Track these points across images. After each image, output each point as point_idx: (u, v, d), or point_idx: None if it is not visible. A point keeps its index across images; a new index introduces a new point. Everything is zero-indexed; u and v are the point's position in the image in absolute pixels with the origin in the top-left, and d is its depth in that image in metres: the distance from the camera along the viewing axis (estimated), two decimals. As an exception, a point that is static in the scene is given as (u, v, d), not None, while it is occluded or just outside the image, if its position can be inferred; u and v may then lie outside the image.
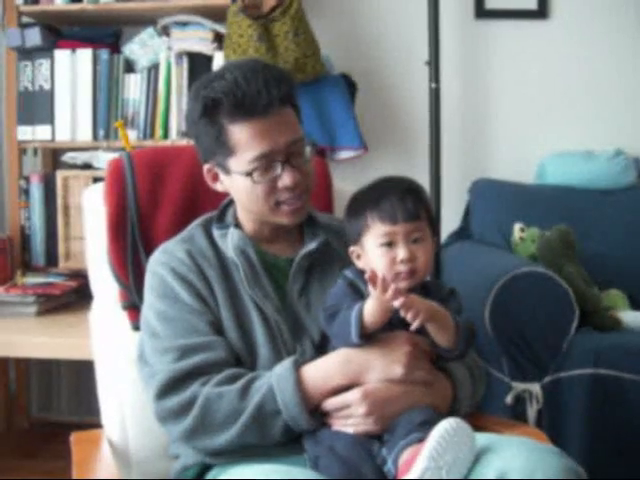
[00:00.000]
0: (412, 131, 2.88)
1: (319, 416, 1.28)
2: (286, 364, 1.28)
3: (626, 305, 2.43)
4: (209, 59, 2.61)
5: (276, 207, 1.37)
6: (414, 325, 1.23)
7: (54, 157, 2.88)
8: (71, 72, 2.66)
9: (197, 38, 2.61)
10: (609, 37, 2.86)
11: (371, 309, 1.24)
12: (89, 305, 1.62)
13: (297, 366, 1.28)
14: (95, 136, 2.66)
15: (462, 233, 2.77)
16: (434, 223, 1.36)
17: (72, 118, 2.67)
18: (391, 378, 1.27)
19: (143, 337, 1.39)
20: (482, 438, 1.21)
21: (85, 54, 2.66)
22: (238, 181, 1.36)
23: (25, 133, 2.70)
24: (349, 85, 2.72)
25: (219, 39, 2.60)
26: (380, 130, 2.88)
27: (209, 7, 2.60)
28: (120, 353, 1.53)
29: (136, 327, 1.49)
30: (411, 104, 2.86)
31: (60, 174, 2.65)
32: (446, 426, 1.12)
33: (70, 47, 2.67)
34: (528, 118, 2.90)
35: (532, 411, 2.07)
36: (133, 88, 2.66)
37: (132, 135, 2.60)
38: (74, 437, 1.48)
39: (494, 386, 2.10)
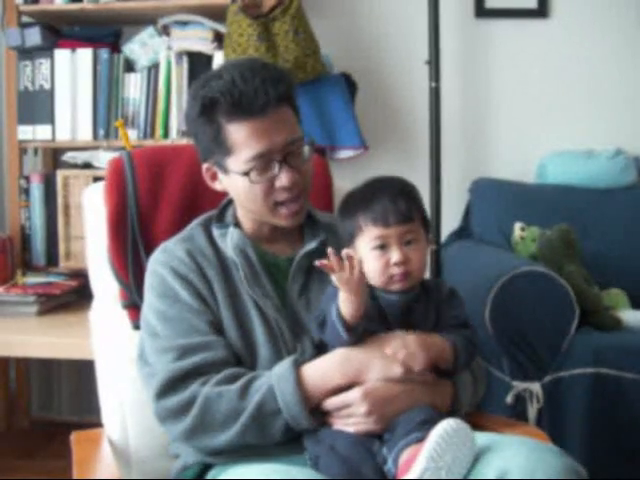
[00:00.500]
0: (412, 130, 2.88)
1: (319, 415, 1.28)
2: (286, 364, 1.28)
3: (626, 304, 2.43)
4: (209, 58, 2.60)
5: (274, 208, 1.37)
6: (414, 369, 1.25)
7: (54, 157, 2.88)
8: (71, 72, 2.66)
9: (197, 37, 2.61)
10: (609, 36, 2.86)
11: (342, 300, 1.24)
12: (89, 305, 1.62)
13: (297, 365, 1.28)
14: (95, 136, 2.66)
15: (462, 232, 2.77)
16: (428, 223, 1.36)
17: (72, 118, 2.67)
18: (391, 377, 1.27)
19: (143, 336, 1.39)
20: (482, 437, 1.21)
21: (85, 54, 2.66)
22: (236, 181, 1.36)
23: (25, 133, 2.70)
24: (349, 84, 2.72)
25: (219, 38, 2.60)
26: (380, 129, 2.88)
27: (209, 6, 2.60)
28: (120, 352, 1.53)
29: (136, 326, 1.49)
30: (411, 103, 2.86)
31: (60, 174, 2.65)
32: (445, 427, 1.11)
33: (70, 47, 2.67)
34: (528, 117, 2.90)
35: (532, 410, 2.07)
36: (133, 87, 2.66)
37: (132, 134, 2.60)
38: (74, 436, 1.48)
39: (494, 385, 2.10)
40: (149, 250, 1.48)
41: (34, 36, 2.62)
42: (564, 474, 1.12)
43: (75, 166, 2.68)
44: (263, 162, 1.33)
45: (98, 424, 1.55)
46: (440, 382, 1.33)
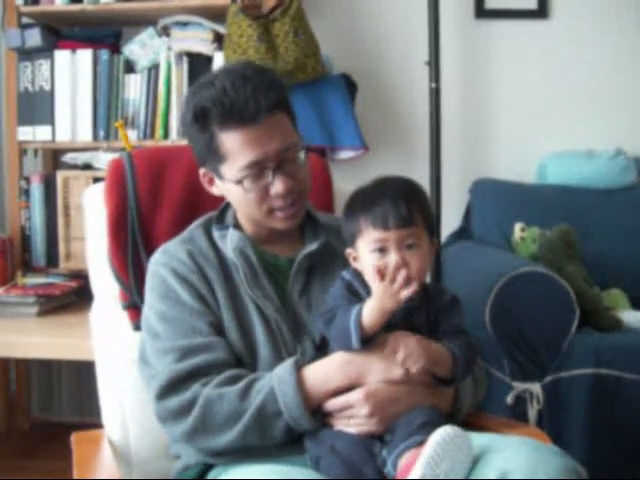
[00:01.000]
0: (412, 131, 2.88)
1: (320, 416, 1.28)
2: (286, 365, 1.28)
3: (627, 305, 2.43)
4: (209, 59, 2.61)
5: (270, 213, 1.37)
6: (413, 370, 1.24)
7: (54, 157, 2.88)
8: (71, 72, 2.66)
9: (197, 38, 2.61)
10: (609, 37, 2.86)
11: (371, 310, 1.23)
12: (89, 305, 1.62)
13: (297, 367, 1.27)
14: (95, 136, 2.67)
15: (462, 233, 2.77)
16: (432, 226, 1.34)
17: (72, 118, 2.67)
18: (392, 379, 1.26)
19: (144, 338, 1.39)
20: (483, 438, 1.21)
21: (85, 54, 2.66)
22: (231, 188, 1.37)
23: (25, 134, 2.70)
24: (349, 85, 2.72)
25: (219, 39, 2.60)
26: (380, 130, 2.88)
27: (209, 7, 2.60)
28: (120, 353, 1.53)
29: (137, 327, 1.49)
30: (411, 104, 2.86)
31: (60, 174, 2.65)
32: (442, 434, 1.11)
33: (70, 47, 2.67)
34: (528, 118, 2.90)
35: (533, 411, 2.07)
36: (133, 88, 2.66)
37: (132, 135, 2.60)
38: (75, 437, 1.48)
39: (495, 386, 2.10)
40: (149, 251, 1.48)
41: (34, 37, 2.62)
42: (565, 474, 1.11)
43: (75, 167, 2.68)
44: (257, 170, 1.33)
45: (98, 425, 1.55)
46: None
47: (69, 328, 2.32)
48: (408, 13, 2.84)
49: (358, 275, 1.31)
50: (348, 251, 1.34)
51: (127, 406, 1.52)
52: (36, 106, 2.68)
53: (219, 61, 2.56)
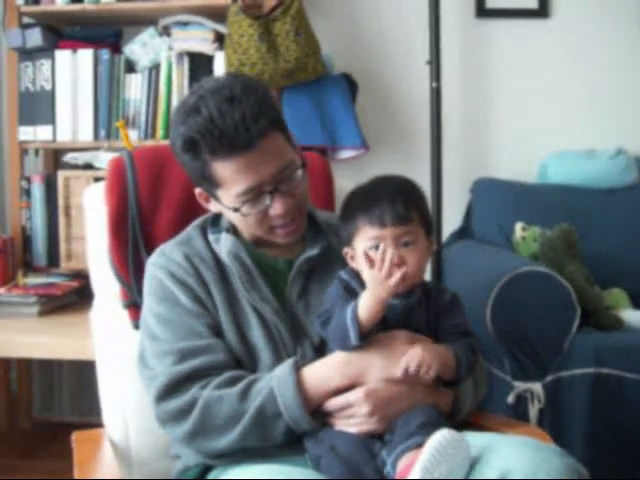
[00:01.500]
0: (413, 130, 2.88)
1: (320, 417, 1.28)
2: (286, 366, 1.28)
3: (628, 304, 2.42)
4: (210, 59, 2.61)
5: (270, 230, 1.36)
6: (427, 378, 1.23)
7: (55, 157, 2.88)
8: (72, 72, 2.66)
9: (198, 38, 2.61)
10: (610, 36, 2.86)
11: (365, 300, 1.23)
12: (90, 305, 1.62)
13: (297, 368, 1.27)
14: (96, 136, 2.67)
15: (463, 232, 2.77)
16: (430, 224, 1.34)
17: (73, 118, 2.67)
18: (392, 378, 1.26)
19: (143, 340, 1.38)
20: (484, 437, 1.21)
21: (86, 54, 2.66)
22: (229, 212, 1.36)
23: (26, 133, 2.70)
24: (350, 84, 2.72)
25: (220, 39, 2.60)
26: (381, 129, 2.88)
27: (210, 7, 2.60)
28: (121, 352, 1.53)
29: (137, 326, 1.49)
30: (412, 103, 2.86)
31: (61, 174, 2.65)
32: (440, 438, 1.11)
33: (71, 47, 2.67)
34: (529, 117, 2.90)
35: (534, 410, 2.07)
36: (134, 88, 2.66)
37: (133, 135, 2.60)
38: (75, 437, 1.48)
39: (496, 385, 2.10)
40: (150, 250, 1.48)
41: (35, 37, 2.62)
42: (566, 474, 1.11)
43: (76, 167, 2.68)
44: (253, 195, 1.31)
45: (99, 424, 1.55)
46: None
47: (70, 328, 2.32)
48: (409, 12, 2.84)
49: (356, 275, 1.31)
50: (345, 250, 1.34)
51: (128, 406, 1.52)
52: (37, 106, 2.68)
53: (220, 61, 2.56)
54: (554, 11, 2.88)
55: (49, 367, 2.99)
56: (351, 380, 1.27)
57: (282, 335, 1.34)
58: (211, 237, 1.42)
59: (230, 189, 1.31)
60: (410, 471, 1.11)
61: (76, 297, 2.58)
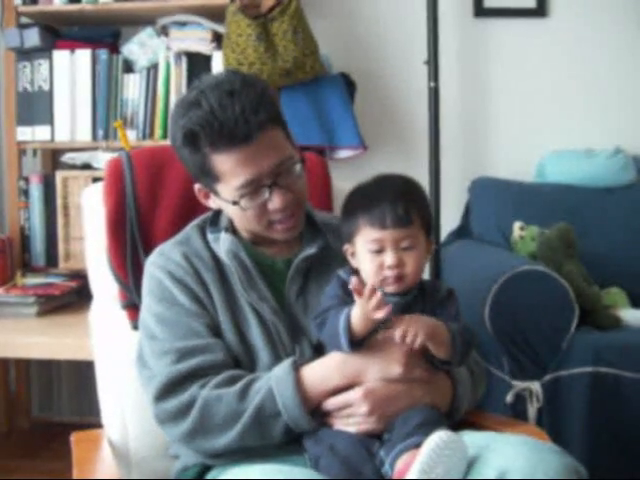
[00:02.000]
0: (411, 130, 2.88)
1: (319, 416, 1.28)
2: (285, 366, 1.28)
3: (626, 303, 2.43)
4: (208, 59, 2.61)
5: (269, 226, 1.37)
6: (415, 346, 1.22)
7: (53, 158, 2.88)
8: (70, 72, 2.66)
9: (196, 38, 2.61)
10: (608, 35, 2.86)
11: (357, 317, 1.23)
12: (89, 305, 1.62)
13: (295, 367, 1.27)
14: (94, 136, 2.66)
15: (462, 232, 2.77)
16: (430, 225, 1.34)
17: (71, 118, 2.67)
18: (390, 377, 1.26)
19: (141, 339, 1.38)
20: (482, 437, 1.21)
21: (84, 54, 2.66)
22: (228, 205, 1.36)
23: (24, 134, 2.70)
24: (348, 84, 2.72)
25: (218, 39, 2.60)
26: (379, 129, 2.88)
27: (208, 7, 2.60)
28: (120, 353, 1.53)
29: (135, 326, 1.48)
30: (410, 103, 2.86)
31: (59, 175, 2.65)
32: (436, 439, 1.11)
33: (69, 47, 2.67)
34: (527, 116, 2.90)
35: (532, 409, 2.07)
36: (132, 88, 2.66)
37: (131, 135, 2.60)
38: (74, 437, 1.48)
39: (494, 385, 2.10)
40: (148, 250, 1.48)
41: (33, 37, 2.62)
42: (564, 474, 1.12)
43: (74, 167, 2.68)
44: (252, 188, 1.31)
45: (98, 425, 1.55)
46: (439, 380, 1.32)
47: (69, 328, 2.31)
48: (407, 12, 2.84)
49: (355, 274, 1.31)
50: (345, 247, 1.34)
51: (127, 406, 1.52)
52: (35, 106, 2.68)
53: (218, 60, 2.56)
54: (552, 10, 2.88)
55: (48, 367, 2.99)
56: (350, 380, 1.27)
57: (281, 334, 1.34)
58: (210, 237, 1.42)
59: (229, 182, 1.31)
60: (408, 471, 1.11)
61: (75, 297, 2.58)
